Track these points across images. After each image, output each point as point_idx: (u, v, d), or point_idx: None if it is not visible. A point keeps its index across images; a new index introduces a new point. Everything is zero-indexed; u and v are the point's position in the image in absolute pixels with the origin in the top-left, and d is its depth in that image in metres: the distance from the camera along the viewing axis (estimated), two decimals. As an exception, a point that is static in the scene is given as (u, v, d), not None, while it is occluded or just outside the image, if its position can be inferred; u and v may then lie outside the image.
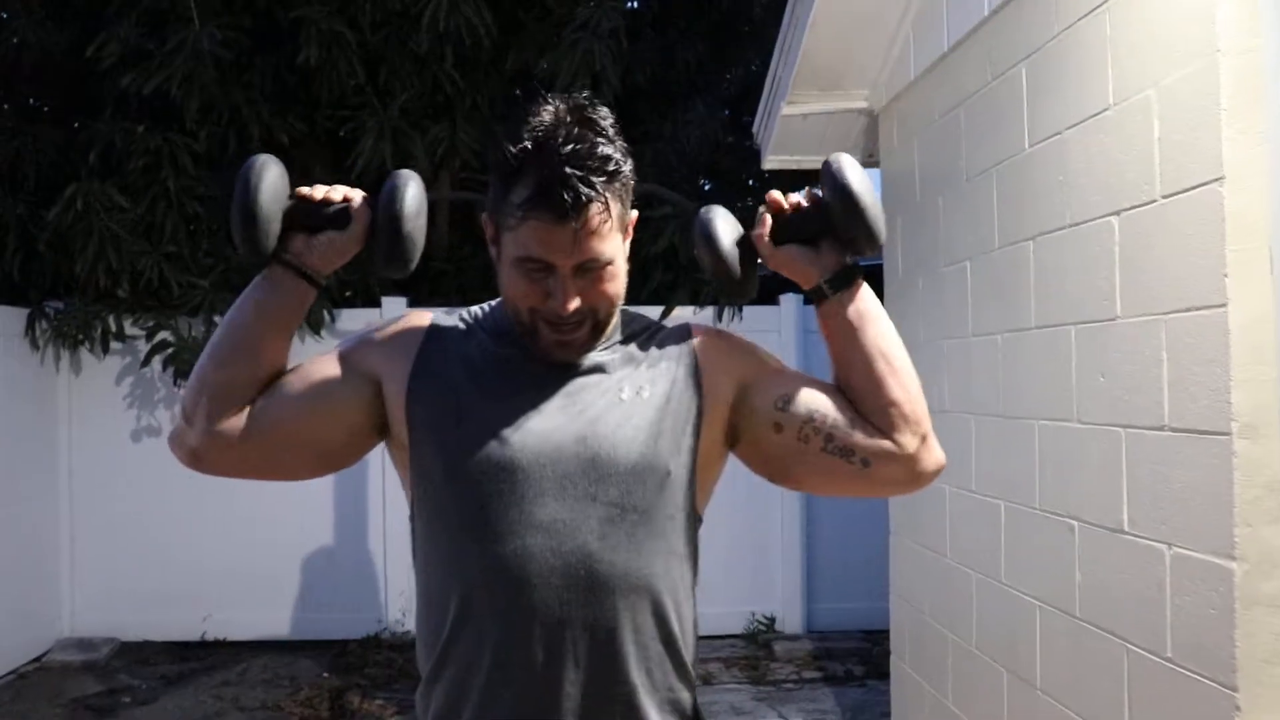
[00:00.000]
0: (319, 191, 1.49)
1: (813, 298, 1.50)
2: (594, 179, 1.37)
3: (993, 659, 2.93)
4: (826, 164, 1.45)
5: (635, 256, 1.58)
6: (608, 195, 1.40)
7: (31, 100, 7.07)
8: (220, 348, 1.48)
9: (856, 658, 5.84)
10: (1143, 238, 2.17)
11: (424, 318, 1.57)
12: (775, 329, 6.38)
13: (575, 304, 1.42)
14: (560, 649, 1.40)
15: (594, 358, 1.50)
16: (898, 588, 3.81)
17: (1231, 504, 1.88)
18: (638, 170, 1.50)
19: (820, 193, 1.47)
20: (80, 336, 6.06)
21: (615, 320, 1.54)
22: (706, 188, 8.97)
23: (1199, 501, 1.98)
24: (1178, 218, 2.04)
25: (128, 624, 6.31)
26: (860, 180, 1.43)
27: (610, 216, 1.41)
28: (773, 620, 6.33)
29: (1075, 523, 2.46)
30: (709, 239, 1.50)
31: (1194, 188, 1.99)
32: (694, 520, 1.51)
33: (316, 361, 1.54)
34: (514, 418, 1.44)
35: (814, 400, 1.48)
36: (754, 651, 6.01)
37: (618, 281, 1.47)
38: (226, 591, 6.34)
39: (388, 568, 6.35)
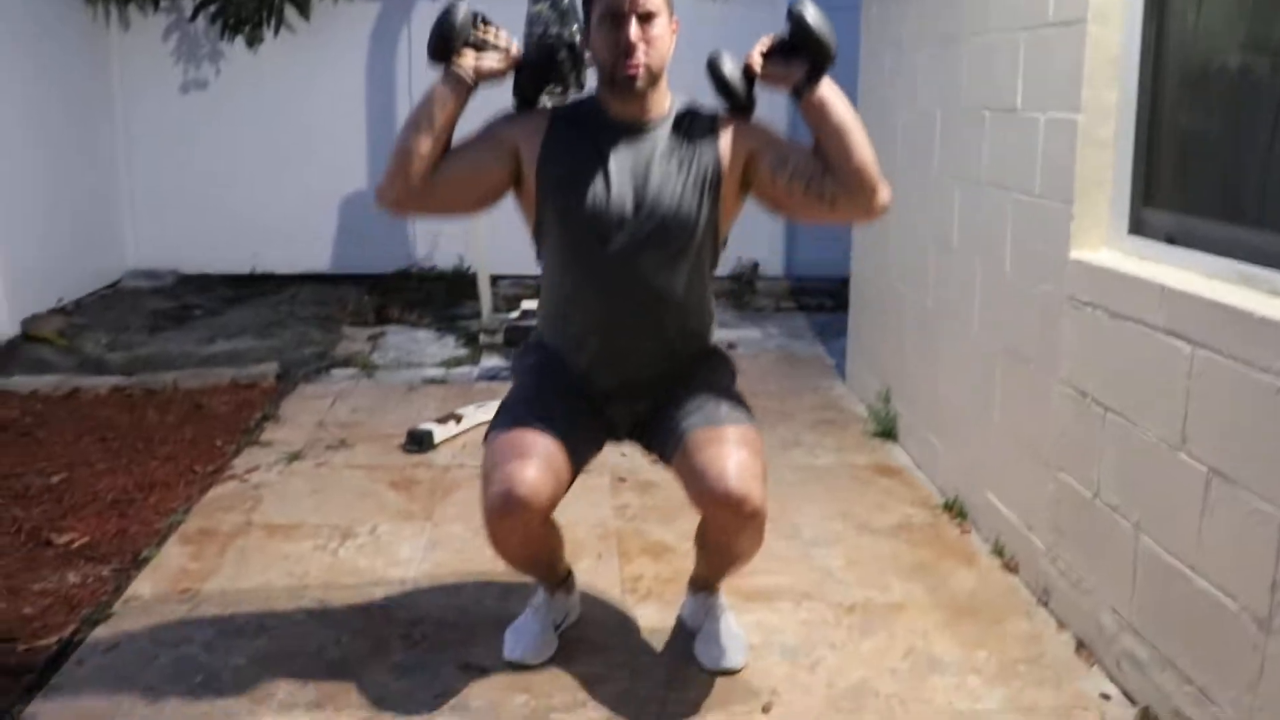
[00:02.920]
0: (494, 32, 2.28)
1: (796, 95, 2.21)
2: None
3: (899, 286, 3.74)
4: (789, 7, 2.18)
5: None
6: None
7: None
8: (409, 126, 2.26)
9: (827, 295, 6.73)
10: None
11: (544, 112, 2.34)
12: (771, 1, 6.87)
13: (635, 34, 2.14)
14: (626, 326, 2.31)
15: (653, 137, 2.28)
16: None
17: (1081, 72, 2.60)
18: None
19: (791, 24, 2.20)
20: (128, -9, 6.57)
21: (669, 102, 2.30)
22: None
23: (1061, 72, 2.71)
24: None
25: (184, 259, 7.11)
26: (814, 14, 2.16)
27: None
28: (757, 265, 7.17)
29: (987, 112, 3.19)
30: (717, 69, 2.27)
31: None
32: (717, 243, 2.36)
33: (474, 140, 2.33)
34: (602, 180, 2.26)
35: (798, 161, 2.25)
36: (739, 288, 6.90)
37: (664, 43, 2.20)
38: (271, 231, 7.11)
39: (416, 211, 7.11)
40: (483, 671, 2.52)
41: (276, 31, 6.64)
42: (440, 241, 7.08)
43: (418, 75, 6.82)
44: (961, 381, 3.42)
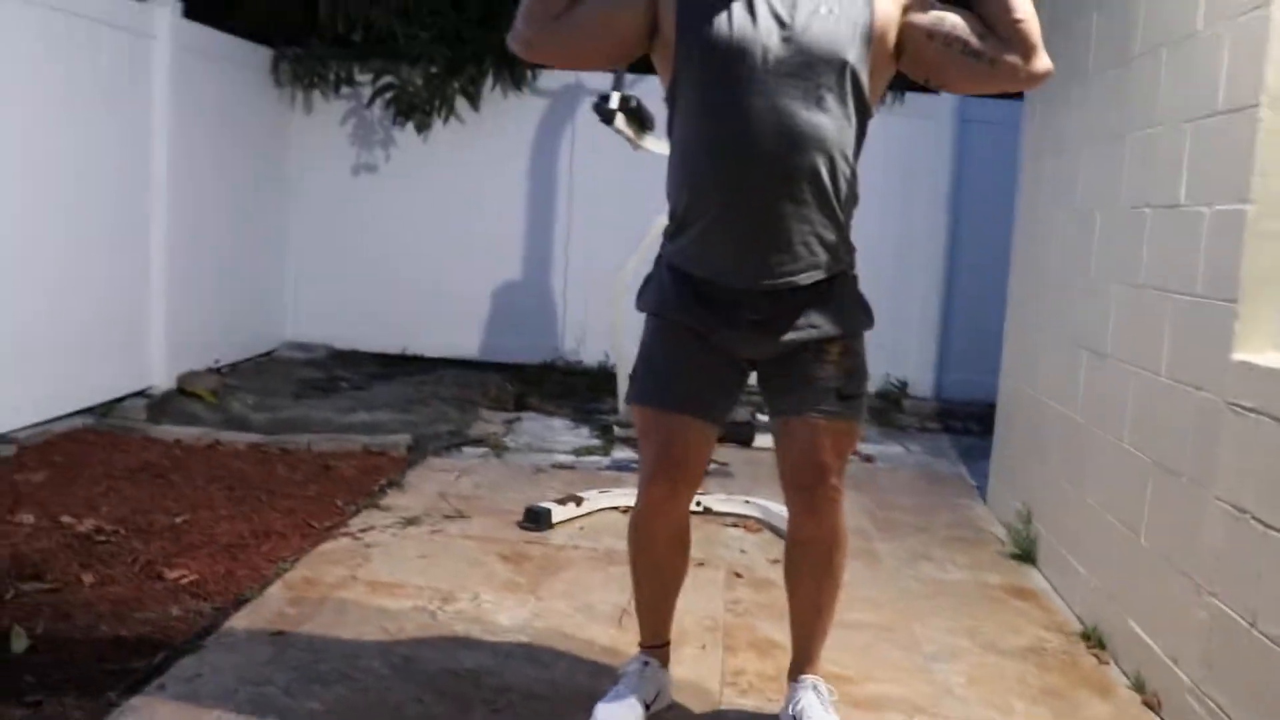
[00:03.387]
0: None
1: None
2: None
3: (1047, 400, 3.54)
4: None
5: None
6: None
7: None
8: None
9: (975, 419, 6.45)
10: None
11: None
12: (934, 116, 6.81)
13: None
14: (765, 172, 2.14)
15: None
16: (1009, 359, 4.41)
17: (1252, 160, 2.42)
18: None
19: None
20: (315, 78, 6.93)
21: None
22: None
23: (1230, 161, 2.53)
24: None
25: (338, 335, 7.32)
26: None
27: None
28: (905, 384, 6.96)
29: (1148, 209, 3.01)
30: None
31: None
32: (865, 106, 2.21)
33: None
34: (749, 23, 2.14)
35: (957, 20, 2.14)
36: (885, 406, 6.69)
37: None
38: (425, 314, 7.27)
39: (567, 304, 7.18)
40: (563, 745, 2.38)
41: (446, 120, 6.88)
42: (587, 337, 7.09)
43: (579, 169, 6.97)
44: (1108, 499, 3.17)
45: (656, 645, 2.57)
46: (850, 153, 2.21)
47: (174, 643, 2.76)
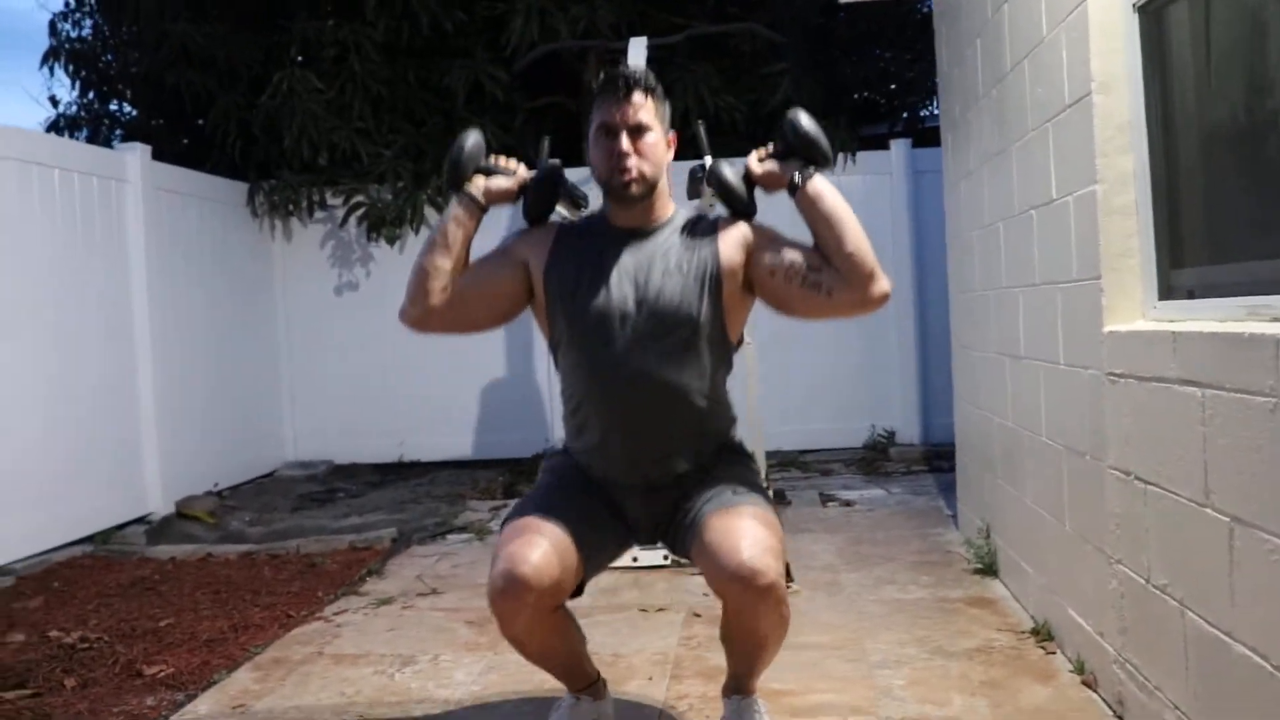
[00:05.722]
0: (504, 160, 2.46)
1: (792, 191, 2.32)
2: (642, 78, 2.31)
3: (987, 414, 3.64)
4: (784, 116, 2.34)
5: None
6: (652, 94, 2.29)
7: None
8: (428, 247, 2.40)
9: (963, 459, 6.51)
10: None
11: (552, 226, 2.48)
12: (888, 171, 7.02)
13: (628, 146, 2.26)
14: (640, 425, 2.33)
15: (656, 241, 2.38)
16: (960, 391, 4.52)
17: (1093, 141, 2.56)
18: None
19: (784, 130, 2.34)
20: (290, 207, 7.22)
21: (672, 210, 2.43)
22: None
23: (1079, 147, 2.67)
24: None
25: (337, 450, 7.48)
26: (806, 118, 2.31)
27: (652, 108, 2.29)
28: (892, 434, 7.02)
29: (1033, 211, 3.14)
30: (719, 177, 2.39)
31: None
32: (725, 345, 2.40)
33: (488, 256, 2.47)
34: (605, 290, 2.33)
35: (795, 255, 2.31)
36: (872, 456, 6.75)
37: (659, 152, 2.33)
38: (417, 421, 7.44)
39: (552, 393, 7.32)
40: (500, 774, 2.45)
41: (417, 230, 7.12)
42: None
43: (550, 265, 7.16)
44: (1039, 494, 3.24)
45: (584, 686, 2.60)
46: (717, 389, 2.40)
47: (139, 727, 2.87)
